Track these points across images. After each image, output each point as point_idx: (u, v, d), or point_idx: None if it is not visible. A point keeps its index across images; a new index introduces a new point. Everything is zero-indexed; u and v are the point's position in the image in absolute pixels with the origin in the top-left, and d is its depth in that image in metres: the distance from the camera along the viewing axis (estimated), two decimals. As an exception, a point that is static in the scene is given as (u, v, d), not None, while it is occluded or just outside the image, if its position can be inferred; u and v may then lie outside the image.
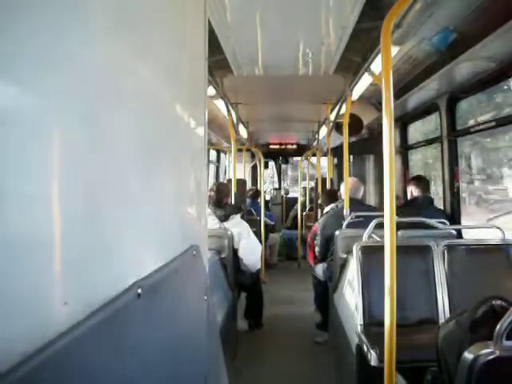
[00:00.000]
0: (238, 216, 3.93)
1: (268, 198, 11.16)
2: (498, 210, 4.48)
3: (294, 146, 11.04)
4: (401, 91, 4.03)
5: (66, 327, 0.54)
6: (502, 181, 4.37)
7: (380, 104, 2.10)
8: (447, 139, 3.88)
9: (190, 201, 1.27)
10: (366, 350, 2.33)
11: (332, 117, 5.59)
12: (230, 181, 5.33)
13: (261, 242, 6.04)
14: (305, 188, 9.48)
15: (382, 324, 1.97)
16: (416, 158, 5.64)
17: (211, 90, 3.94)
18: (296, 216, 8.64)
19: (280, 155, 11.81)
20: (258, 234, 6.17)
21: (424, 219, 2.99)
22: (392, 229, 1.89)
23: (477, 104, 3.90)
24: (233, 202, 4.53)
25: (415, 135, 5.32)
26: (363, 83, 4.03)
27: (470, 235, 3.73)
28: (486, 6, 2.42)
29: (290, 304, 5.49)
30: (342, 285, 3.31)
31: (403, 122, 5.16)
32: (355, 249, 2.80)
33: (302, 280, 6.21)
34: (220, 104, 4.94)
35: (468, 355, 1.19)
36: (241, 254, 3.70)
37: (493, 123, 3.33)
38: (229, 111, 4.76)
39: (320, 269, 4.16)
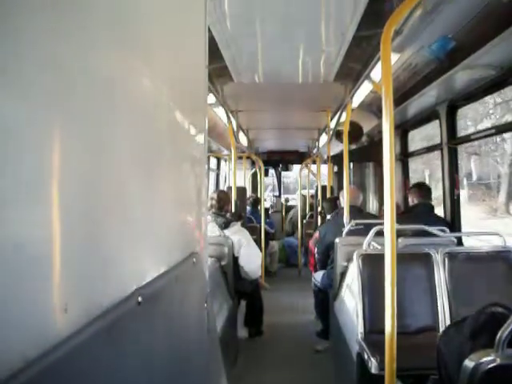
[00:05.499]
0: (239, 224, 3.93)
1: (268, 205, 11.16)
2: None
3: (294, 154, 11.06)
4: (401, 98, 4.04)
5: (66, 335, 0.54)
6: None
7: (380, 111, 2.10)
8: (447, 147, 3.89)
9: (190, 208, 1.27)
10: (366, 357, 2.33)
11: (332, 124, 5.61)
12: (230, 188, 5.34)
13: (261, 249, 6.03)
14: (305, 196, 9.48)
15: (382, 332, 1.96)
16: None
17: (211, 98, 3.95)
18: (293, 220, 8.66)
19: (280, 163, 11.82)
20: (258, 241, 6.17)
21: (424, 227, 2.98)
22: (392, 236, 1.89)
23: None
24: (233, 210, 4.52)
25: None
26: (363, 91, 4.04)
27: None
28: (484, 14, 2.43)
29: (290, 311, 5.46)
30: (342, 292, 3.30)
31: (403, 129, 5.16)
32: (355, 257, 2.79)
33: (302, 287, 6.19)
34: (220, 111, 4.95)
35: (469, 363, 1.19)
36: (241, 261, 3.69)
37: (492, 130, 3.34)
38: (229, 119, 4.77)
39: (320, 276, 4.15)
